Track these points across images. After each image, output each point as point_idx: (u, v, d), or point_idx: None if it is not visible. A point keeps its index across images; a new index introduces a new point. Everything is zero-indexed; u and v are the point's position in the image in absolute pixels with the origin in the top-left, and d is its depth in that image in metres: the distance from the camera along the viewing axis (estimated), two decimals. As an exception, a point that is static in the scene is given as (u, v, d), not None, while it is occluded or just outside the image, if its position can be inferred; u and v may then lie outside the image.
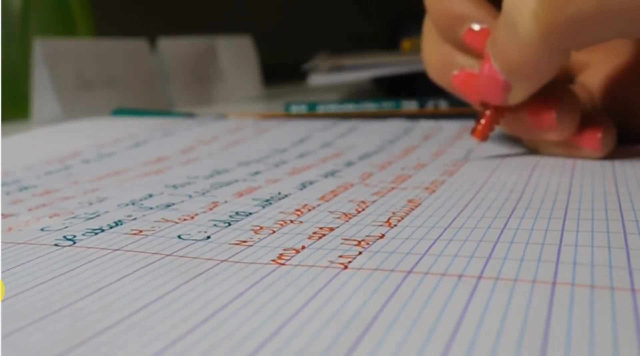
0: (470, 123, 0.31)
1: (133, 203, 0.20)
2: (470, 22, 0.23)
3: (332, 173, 0.23)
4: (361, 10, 1.01)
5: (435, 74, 0.26)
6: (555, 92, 0.23)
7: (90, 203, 0.20)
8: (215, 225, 0.17)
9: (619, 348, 0.09)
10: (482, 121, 0.23)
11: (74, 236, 0.16)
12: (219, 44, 0.61)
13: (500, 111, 0.23)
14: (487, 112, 0.23)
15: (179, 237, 0.16)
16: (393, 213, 0.17)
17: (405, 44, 0.66)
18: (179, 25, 0.72)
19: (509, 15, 0.20)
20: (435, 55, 0.26)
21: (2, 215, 0.19)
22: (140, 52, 0.51)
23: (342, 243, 0.15)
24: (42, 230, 0.17)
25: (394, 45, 0.82)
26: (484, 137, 0.24)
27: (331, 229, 0.16)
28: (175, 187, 0.22)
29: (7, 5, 0.49)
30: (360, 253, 0.14)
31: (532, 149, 0.26)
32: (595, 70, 0.26)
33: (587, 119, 0.23)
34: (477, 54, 0.23)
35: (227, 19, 0.84)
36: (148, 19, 0.74)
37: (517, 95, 0.22)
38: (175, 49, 0.56)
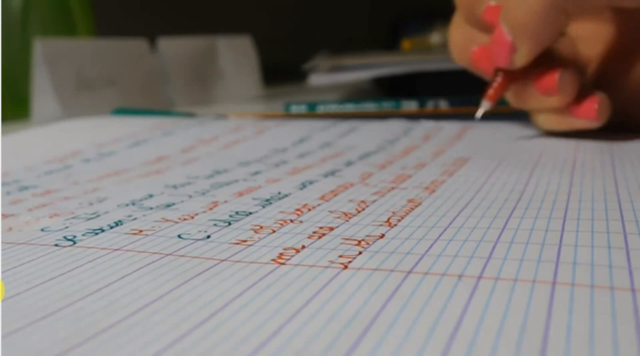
0: (470, 123, 0.31)
1: (133, 203, 0.20)
2: (488, 0, 0.26)
3: (332, 173, 0.23)
4: (361, 10, 1.01)
5: (457, 52, 0.30)
6: (558, 61, 0.26)
7: (91, 204, 0.20)
8: (215, 224, 0.17)
9: (619, 347, 0.09)
10: (494, 85, 0.26)
11: (74, 236, 0.16)
12: (219, 44, 0.61)
13: (509, 77, 0.26)
14: (498, 79, 0.26)
15: (179, 236, 0.16)
16: (393, 213, 0.17)
17: (405, 44, 0.66)
18: (179, 25, 0.72)
19: None
20: (458, 36, 0.29)
21: (3, 215, 0.19)
22: (140, 52, 0.51)
23: (342, 243, 0.15)
24: (42, 230, 0.17)
25: (394, 45, 0.82)
26: (494, 100, 0.27)
27: (331, 229, 0.16)
28: (175, 187, 0.22)
29: (7, 5, 0.49)
30: (360, 253, 0.14)
31: (537, 125, 0.28)
32: (599, 62, 0.28)
33: (584, 93, 0.26)
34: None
35: (227, 19, 0.84)
36: (148, 19, 0.74)
37: (522, 56, 0.25)
38: (175, 49, 0.56)
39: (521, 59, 0.25)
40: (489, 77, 0.28)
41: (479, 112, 0.27)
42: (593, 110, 0.25)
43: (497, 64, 0.26)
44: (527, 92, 0.27)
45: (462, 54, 0.29)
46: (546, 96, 0.26)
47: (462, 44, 0.29)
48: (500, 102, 0.28)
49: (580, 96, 0.26)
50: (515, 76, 0.26)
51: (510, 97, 0.28)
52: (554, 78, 0.25)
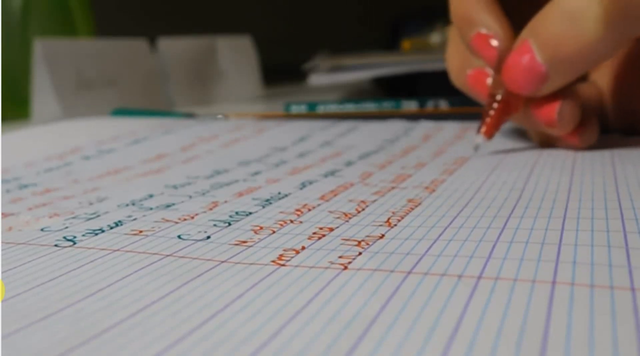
0: (470, 124, 0.31)
1: (133, 204, 0.20)
2: (479, 27, 0.24)
3: (332, 173, 0.23)
4: (361, 10, 1.01)
5: (454, 75, 0.28)
6: (559, 90, 0.24)
7: (91, 203, 0.20)
8: (215, 225, 0.17)
9: (619, 347, 0.09)
10: (488, 120, 0.24)
11: (74, 236, 0.16)
12: (219, 44, 0.61)
13: (508, 108, 0.24)
14: (492, 112, 0.24)
15: (179, 237, 0.16)
16: (393, 213, 0.17)
17: (405, 44, 0.66)
18: (179, 25, 0.72)
19: (569, 10, 0.21)
20: (455, 58, 0.27)
21: (2, 214, 0.19)
22: (140, 52, 0.51)
23: (342, 244, 0.15)
24: (42, 230, 0.17)
25: (394, 45, 0.82)
26: (491, 136, 0.25)
27: (331, 229, 0.16)
28: (175, 187, 0.22)
29: (7, 5, 0.49)
30: (360, 253, 0.14)
31: (535, 142, 0.27)
32: (607, 69, 0.27)
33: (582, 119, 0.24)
34: (480, 57, 0.25)
35: (227, 19, 0.84)
36: (148, 19, 0.74)
37: (553, 86, 0.23)
38: (175, 49, 0.56)
39: (550, 89, 0.23)
40: (484, 102, 0.26)
41: (475, 148, 0.25)
42: (576, 137, 0.24)
43: (518, 91, 0.23)
44: (527, 117, 0.25)
45: (458, 77, 0.27)
46: (546, 126, 0.24)
47: (458, 66, 0.27)
48: None
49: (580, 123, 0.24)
50: (516, 104, 0.24)
51: (511, 117, 0.26)
52: (553, 109, 0.23)
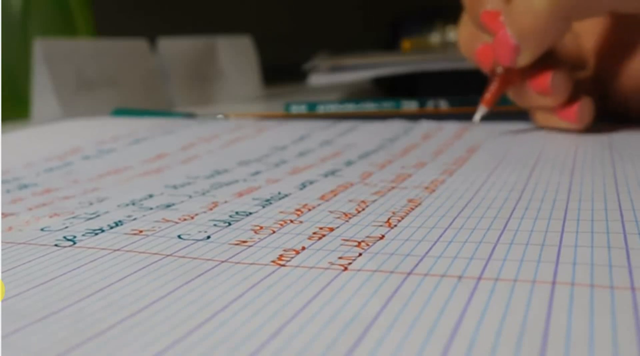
0: (470, 123, 0.31)
1: (133, 203, 0.20)
2: (487, 5, 0.27)
3: (332, 173, 0.23)
4: (361, 10, 1.01)
5: (463, 49, 0.31)
6: (554, 59, 0.27)
7: (91, 203, 0.20)
8: (215, 224, 0.17)
9: (619, 346, 0.09)
10: (491, 90, 0.28)
11: (74, 236, 0.16)
12: (219, 44, 0.61)
13: (506, 79, 0.28)
14: (495, 83, 0.27)
15: (179, 236, 0.16)
16: (393, 213, 0.17)
17: (405, 44, 0.66)
18: (179, 25, 0.72)
19: None
20: (465, 33, 0.31)
21: (2, 214, 0.19)
22: (140, 52, 0.51)
23: (342, 244, 0.15)
24: (42, 230, 0.17)
25: (394, 45, 0.82)
26: (491, 105, 0.28)
27: (331, 229, 0.16)
28: (175, 187, 0.22)
29: (7, 5, 0.49)
30: (360, 254, 0.14)
31: (533, 120, 0.30)
32: (604, 55, 0.30)
33: (577, 95, 0.27)
34: (490, 32, 0.28)
35: (227, 19, 0.84)
36: (148, 19, 0.74)
37: (525, 57, 0.26)
38: (175, 49, 0.56)
39: (524, 60, 0.26)
40: (488, 73, 0.29)
41: (477, 116, 0.28)
42: (574, 114, 0.27)
43: (502, 63, 0.27)
44: (524, 91, 0.28)
45: (467, 50, 0.31)
46: (540, 95, 0.27)
47: (467, 41, 0.30)
48: (502, 101, 0.29)
49: (573, 98, 0.27)
50: (512, 77, 0.27)
51: (510, 93, 0.29)
52: (547, 78, 0.27)
